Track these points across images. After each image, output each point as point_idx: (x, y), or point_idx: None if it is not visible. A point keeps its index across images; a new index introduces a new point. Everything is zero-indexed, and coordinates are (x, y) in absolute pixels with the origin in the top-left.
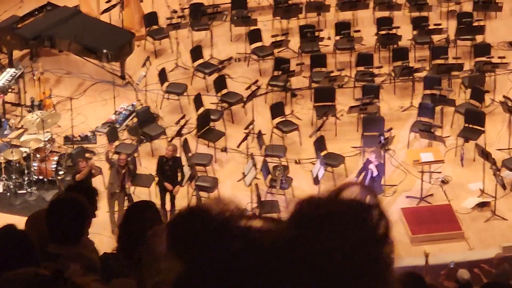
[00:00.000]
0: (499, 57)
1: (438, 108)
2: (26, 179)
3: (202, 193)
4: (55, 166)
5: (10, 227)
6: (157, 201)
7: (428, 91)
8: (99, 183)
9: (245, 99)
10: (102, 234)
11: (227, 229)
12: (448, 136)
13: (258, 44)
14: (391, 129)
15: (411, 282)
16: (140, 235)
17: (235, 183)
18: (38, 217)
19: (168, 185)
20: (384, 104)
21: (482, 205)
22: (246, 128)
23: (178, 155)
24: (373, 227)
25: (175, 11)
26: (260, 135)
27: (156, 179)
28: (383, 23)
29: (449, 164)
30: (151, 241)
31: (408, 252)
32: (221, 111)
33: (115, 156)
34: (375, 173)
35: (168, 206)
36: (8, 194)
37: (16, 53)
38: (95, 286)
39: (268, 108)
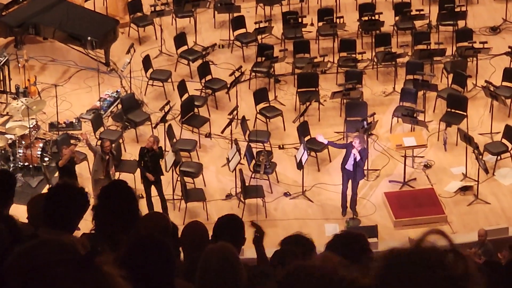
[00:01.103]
0: (481, 42)
1: (420, 93)
2: (11, 165)
3: (187, 179)
4: (40, 152)
5: None
6: (141, 189)
7: (410, 76)
8: (85, 168)
9: (228, 85)
10: (86, 220)
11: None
12: (430, 121)
13: (242, 30)
14: (374, 114)
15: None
16: (113, 214)
17: (219, 168)
18: (39, 201)
19: (149, 175)
20: (367, 90)
21: (464, 189)
22: (230, 114)
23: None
24: (450, 270)
25: None
26: (244, 120)
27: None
28: (366, 9)
29: (432, 149)
30: None
31: (391, 236)
32: (205, 97)
33: (98, 143)
34: (358, 158)
35: (153, 202)
36: None
37: (1, 41)
38: (121, 280)
39: (252, 94)
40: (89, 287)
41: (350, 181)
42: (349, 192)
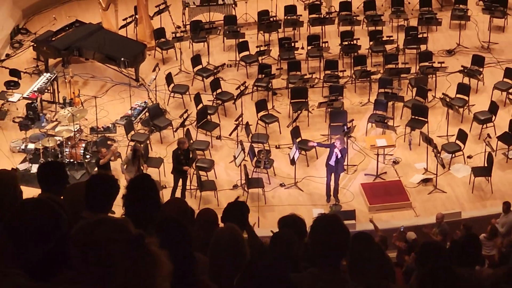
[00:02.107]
0: (439, 62)
1: (390, 103)
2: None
3: (201, 172)
4: (83, 151)
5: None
6: (165, 180)
7: (382, 90)
8: (118, 164)
9: (235, 97)
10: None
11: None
12: (398, 126)
13: (246, 53)
14: (352, 120)
15: (360, 239)
16: (141, 202)
17: (227, 164)
18: (74, 189)
19: (186, 167)
20: (347, 101)
21: (425, 181)
22: (236, 120)
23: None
24: None
25: (179, 27)
26: (247, 125)
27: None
28: (346, 35)
29: (399, 148)
30: None
31: (366, 218)
32: (216, 107)
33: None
34: (339, 155)
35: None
36: None
37: (51, 61)
38: (165, 259)
39: (254, 104)
40: (139, 264)
41: (332, 174)
42: (332, 184)
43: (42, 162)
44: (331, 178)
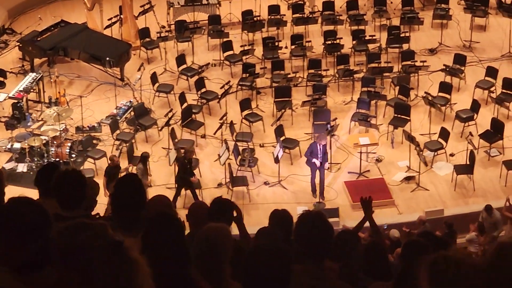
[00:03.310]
0: (421, 61)
1: (373, 102)
2: (45, 161)
3: None
4: (68, 150)
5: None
6: (150, 179)
7: (365, 89)
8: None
9: (219, 96)
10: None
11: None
12: (381, 124)
13: (230, 52)
14: (336, 119)
15: (346, 236)
16: (128, 201)
17: (212, 162)
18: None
19: (194, 179)
20: (330, 99)
21: (408, 179)
22: (220, 119)
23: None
24: None
25: (163, 27)
26: (232, 124)
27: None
28: (329, 35)
29: (382, 146)
30: None
31: (349, 216)
32: (201, 106)
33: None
34: (322, 147)
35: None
36: (31, 173)
37: (37, 61)
38: (144, 264)
39: (238, 103)
40: (118, 270)
41: (317, 171)
42: (317, 181)
43: (41, 164)
44: (315, 175)
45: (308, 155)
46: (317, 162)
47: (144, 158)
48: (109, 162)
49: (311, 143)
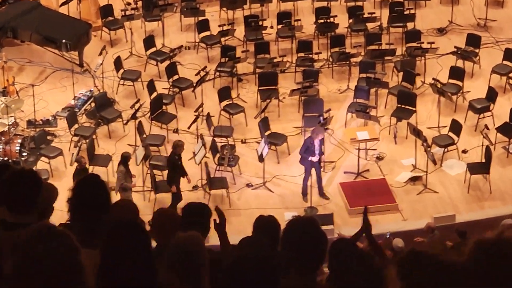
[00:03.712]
0: (429, 43)
1: (372, 90)
2: None
3: (156, 171)
4: (19, 148)
5: None
6: (114, 181)
7: (363, 75)
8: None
9: (194, 84)
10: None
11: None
12: (382, 116)
13: (206, 33)
14: (329, 110)
15: (343, 247)
16: (89, 206)
17: (186, 161)
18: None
19: (188, 178)
20: (323, 87)
21: (414, 179)
22: (196, 111)
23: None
24: None
25: (129, 3)
26: (209, 117)
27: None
28: (322, 12)
29: (384, 142)
30: None
31: (346, 222)
32: (173, 95)
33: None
34: (319, 141)
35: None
36: None
37: None
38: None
39: (216, 92)
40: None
41: (312, 170)
42: (309, 183)
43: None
44: (309, 176)
45: (303, 153)
46: (314, 159)
47: (125, 158)
48: (76, 164)
49: (306, 139)
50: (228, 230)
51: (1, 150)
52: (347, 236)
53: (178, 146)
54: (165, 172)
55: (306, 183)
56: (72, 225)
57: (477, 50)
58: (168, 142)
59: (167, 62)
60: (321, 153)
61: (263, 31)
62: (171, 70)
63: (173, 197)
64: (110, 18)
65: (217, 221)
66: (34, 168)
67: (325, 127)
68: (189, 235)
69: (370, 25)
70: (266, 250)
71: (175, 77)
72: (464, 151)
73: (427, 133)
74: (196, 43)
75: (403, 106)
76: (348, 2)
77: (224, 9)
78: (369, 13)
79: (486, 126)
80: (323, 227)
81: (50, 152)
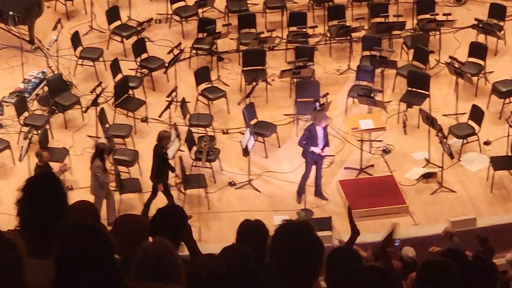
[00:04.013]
0: (444, 14)
1: (378, 71)
2: None
3: (121, 168)
4: None
5: None
6: (72, 179)
7: (367, 53)
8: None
9: (167, 64)
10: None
11: None
12: (389, 101)
13: (181, 3)
14: (327, 94)
15: (346, 258)
16: (40, 208)
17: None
18: None
19: (177, 174)
20: (319, 67)
21: (427, 176)
22: (168, 96)
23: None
24: None
25: None
26: (183, 103)
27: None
28: None
29: (391, 132)
30: None
31: (347, 228)
32: (141, 78)
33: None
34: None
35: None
36: None
37: None
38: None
39: (193, 73)
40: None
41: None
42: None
43: None
44: (310, 172)
45: (303, 144)
46: (317, 150)
47: (101, 151)
48: (37, 159)
49: (307, 127)
50: (207, 236)
51: None
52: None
53: (164, 138)
54: (132, 169)
55: (305, 181)
56: (22, 231)
57: (501, 23)
58: (136, 133)
59: (134, 38)
60: (326, 144)
61: (248, 1)
62: (139, 47)
63: (167, 197)
64: None
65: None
66: None
67: (312, 116)
68: (158, 241)
69: None
70: (249, 261)
71: (144, 55)
72: (487, 143)
73: (442, 121)
74: (169, 16)
75: (414, 89)
76: None
77: None
78: None
79: None
80: (319, 233)
81: None
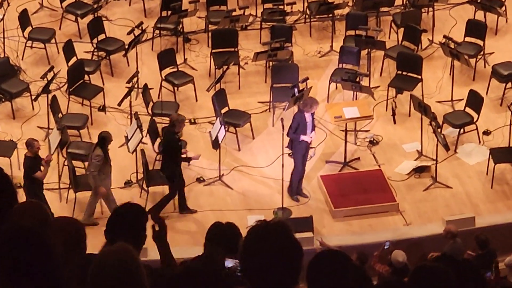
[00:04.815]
0: None
1: (364, 53)
2: None
3: (76, 162)
4: None
5: None
6: (19, 174)
7: (351, 32)
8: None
9: (126, 46)
10: None
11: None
12: (377, 87)
13: None
14: (306, 79)
15: (335, 262)
16: None
17: (116, 149)
18: None
19: (196, 156)
20: (298, 49)
21: (420, 170)
22: (128, 82)
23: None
24: None
25: None
26: (146, 89)
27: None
28: None
29: (379, 121)
30: None
31: (330, 229)
32: (98, 62)
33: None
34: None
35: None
36: None
37: None
38: None
39: (156, 56)
40: None
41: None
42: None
43: None
44: (301, 164)
45: (292, 134)
46: (307, 138)
47: (104, 139)
48: (27, 148)
49: (295, 115)
50: (174, 240)
51: None
52: (332, 246)
53: (178, 122)
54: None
55: (297, 176)
56: None
57: None
58: (92, 124)
59: (89, 17)
60: (312, 130)
61: None
62: (96, 27)
63: (171, 191)
64: None
65: (156, 229)
66: None
67: (301, 102)
68: (117, 248)
69: None
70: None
71: (101, 36)
72: (486, 133)
73: (436, 109)
74: None
75: (404, 73)
76: None
77: None
78: None
79: None
80: (299, 235)
81: None
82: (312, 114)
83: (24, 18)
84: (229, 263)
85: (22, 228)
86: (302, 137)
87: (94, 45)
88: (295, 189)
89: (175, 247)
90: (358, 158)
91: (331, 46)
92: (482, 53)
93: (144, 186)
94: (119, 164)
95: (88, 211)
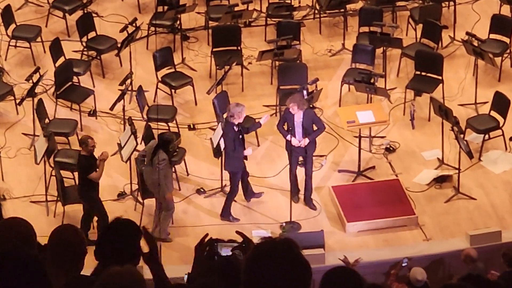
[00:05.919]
0: None
1: (379, 51)
2: None
3: (64, 172)
4: None
5: None
6: (4, 186)
7: (365, 29)
8: None
9: (119, 45)
10: None
11: None
12: (393, 88)
13: None
14: (316, 80)
15: (345, 279)
16: None
17: (108, 158)
18: None
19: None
20: (306, 47)
21: (441, 180)
22: (121, 84)
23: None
24: None
25: None
26: (140, 92)
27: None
28: None
29: (396, 126)
30: None
31: (342, 245)
32: (88, 62)
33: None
34: (300, 120)
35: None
36: None
37: None
38: None
39: (151, 56)
40: None
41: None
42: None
43: None
44: (296, 166)
45: (282, 129)
46: (294, 141)
47: (166, 142)
48: (81, 146)
49: (285, 110)
50: (170, 258)
51: None
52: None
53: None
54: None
55: (292, 177)
56: None
57: None
58: (82, 130)
59: (79, 13)
60: (314, 147)
61: None
62: (85, 24)
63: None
64: None
65: (144, 252)
66: None
67: (310, 105)
68: (125, 271)
69: None
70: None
71: (91, 34)
72: None
73: (459, 112)
74: None
75: (423, 73)
76: None
77: None
78: None
79: None
80: (309, 252)
81: None
82: (306, 117)
83: (7, 15)
84: (226, 251)
85: (8, 251)
86: (288, 137)
87: (84, 44)
88: (294, 189)
89: (169, 266)
90: (373, 167)
91: (343, 44)
92: (508, 51)
93: (139, 198)
94: (111, 174)
95: (163, 226)
